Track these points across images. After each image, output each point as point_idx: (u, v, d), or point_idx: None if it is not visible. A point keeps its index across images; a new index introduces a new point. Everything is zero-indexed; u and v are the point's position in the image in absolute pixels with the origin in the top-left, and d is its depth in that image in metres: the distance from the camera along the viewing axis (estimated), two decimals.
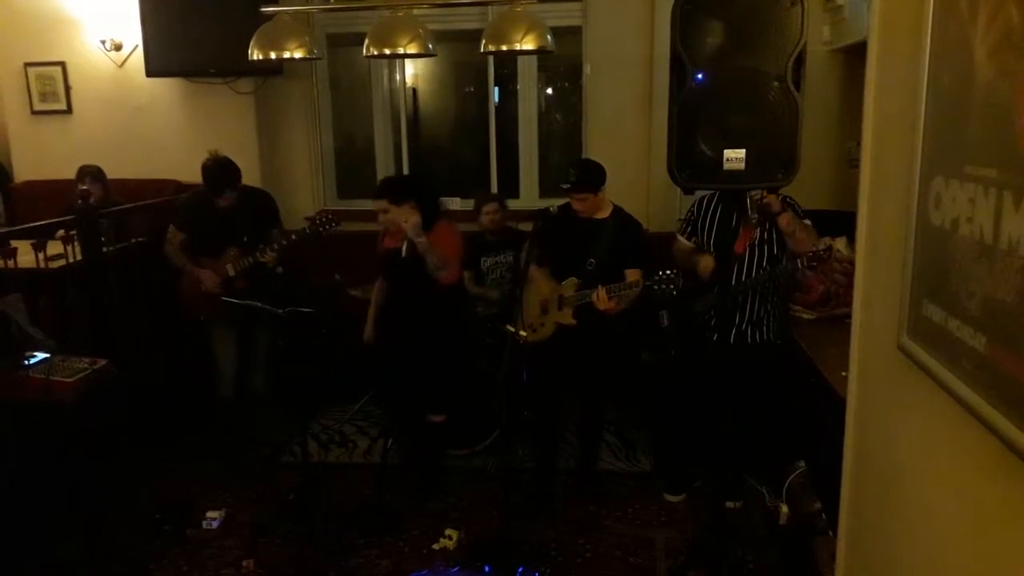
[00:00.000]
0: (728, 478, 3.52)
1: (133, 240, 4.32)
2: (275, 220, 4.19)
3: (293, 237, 3.90)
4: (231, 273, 3.93)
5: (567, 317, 3.52)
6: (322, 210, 4.02)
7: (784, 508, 3.17)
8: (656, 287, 3.27)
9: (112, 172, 4.75)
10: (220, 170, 3.86)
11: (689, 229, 3.56)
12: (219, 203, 3.89)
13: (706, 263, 3.40)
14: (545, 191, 5.24)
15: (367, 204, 4.01)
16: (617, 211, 3.57)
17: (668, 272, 3.26)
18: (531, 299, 3.60)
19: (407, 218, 3.50)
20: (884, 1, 1.72)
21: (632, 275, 3.44)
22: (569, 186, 3.43)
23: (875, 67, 1.76)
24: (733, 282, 3.30)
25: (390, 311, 3.86)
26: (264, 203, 4.18)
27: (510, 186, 5.25)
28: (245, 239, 3.96)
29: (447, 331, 3.77)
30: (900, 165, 1.48)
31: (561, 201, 3.59)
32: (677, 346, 3.67)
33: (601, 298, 3.33)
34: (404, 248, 3.55)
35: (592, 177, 3.45)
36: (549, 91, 5.51)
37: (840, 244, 3.70)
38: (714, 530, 3.23)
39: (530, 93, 5.22)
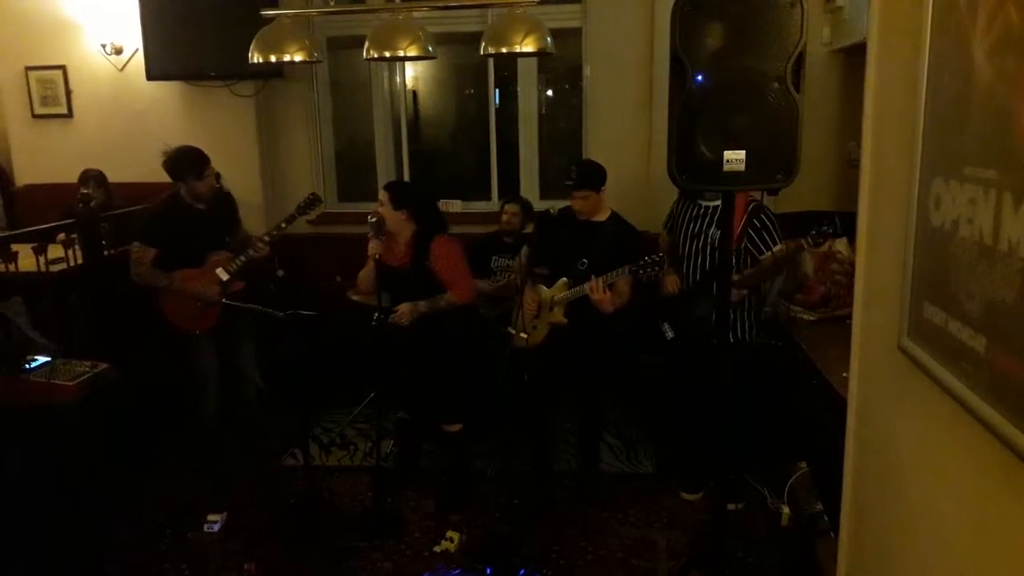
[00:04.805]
0: (730, 480, 3.51)
1: (134, 244, 4.31)
2: (239, 219, 4.08)
3: (283, 225, 3.81)
4: (224, 278, 3.76)
5: (558, 316, 3.54)
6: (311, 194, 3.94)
7: (786, 509, 3.17)
8: (641, 271, 3.31)
9: (113, 176, 4.77)
10: (192, 152, 3.72)
11: (669, 224, 3.74)
12: (203, 188, 3.73)
13: (671, 282, 3.57)
14: (546, 193, 5.24)
15: (369, 207, 4.01)
16: (614, 216, 3.59)
17: (653, 256, 3.31)
18: (526, 304, 3.62)
19: (400, 229, 3.55)
20: (883, 2, 1.71)
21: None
22: (572, 183, 3.46)
23: (875, 68, 1.76)
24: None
25: (383, 315, 3.71)
26: (231, 203, 4.06)
27: (511, 188, 5.26)
28: (227, 239, 3.85)
29: (454, 340, 3.75)
30: (900, 166, 1.48)
31: (562, 203, 3.60)
32: (685, 354, 3.65)
33: (596, 287, 3.35)
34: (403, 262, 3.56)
35: (594, 176, 3.50)
36: (549, 93, 5.51)
37: (841, 245, 3.70)
38: (716, 531, 3.23)
39: (530, 95, 5.22)
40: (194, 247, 3.78)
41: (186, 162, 3.69)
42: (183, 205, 3.78)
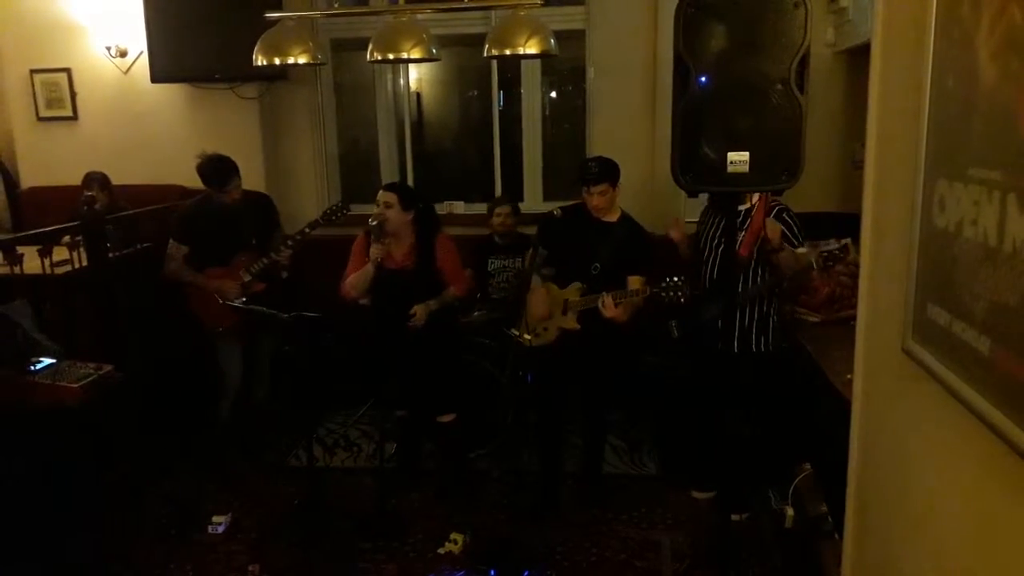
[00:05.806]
0: (735, 491, 3.49)
1: (138, 245, 4.33)
2: (277, 222, 4.19)
3: (307, 230, 3.87)
4: (246, 278, 3.88)
5: (571, 322, 3.52)
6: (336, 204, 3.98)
7: (790, 511, 3.16)
8: (664, 294, 3.29)
9: (117, 178, 4.78)
10: (219, 162, 3.82)
11: (698, 231, 3.64)
12: (226, 199, 3.84)
13: (682, 249, 3.60)
14: (549, 194, 5.24)
15: (372, 208, 4.01)
16: (625, 216, 3.58)
17: (676, 279, 3.29)
18: (535, 304, 3.60)
19: (405, 234, 3.56)
20: (887, 3, 1.71)
21: (634, 282, 3.44)
22: (592, 177, 3.47)
23: (878, 69, 1.76)
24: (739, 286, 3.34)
25: (388, 319, 3.70)
26: (266, 204, 4.17)
27: (514, 189, 5.26)
28: (254, 241, 3.94)
29: (443, 332, 3.75)
30: (904, 167, 1.48)
31: (564, 203, 3.60)
32: (690, 357, 3.65)
33: (608, 305, 3.34)
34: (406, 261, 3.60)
35: (613, 169, 3.51)
36: (553, 94, 5.51)
37: None
38: (720, 533, 3.23)
39: (534, 97, 5.22)
40: (222, 246, 3.90)
41: (211, 172, 3.82)
42: (215, 205, 3.89)
